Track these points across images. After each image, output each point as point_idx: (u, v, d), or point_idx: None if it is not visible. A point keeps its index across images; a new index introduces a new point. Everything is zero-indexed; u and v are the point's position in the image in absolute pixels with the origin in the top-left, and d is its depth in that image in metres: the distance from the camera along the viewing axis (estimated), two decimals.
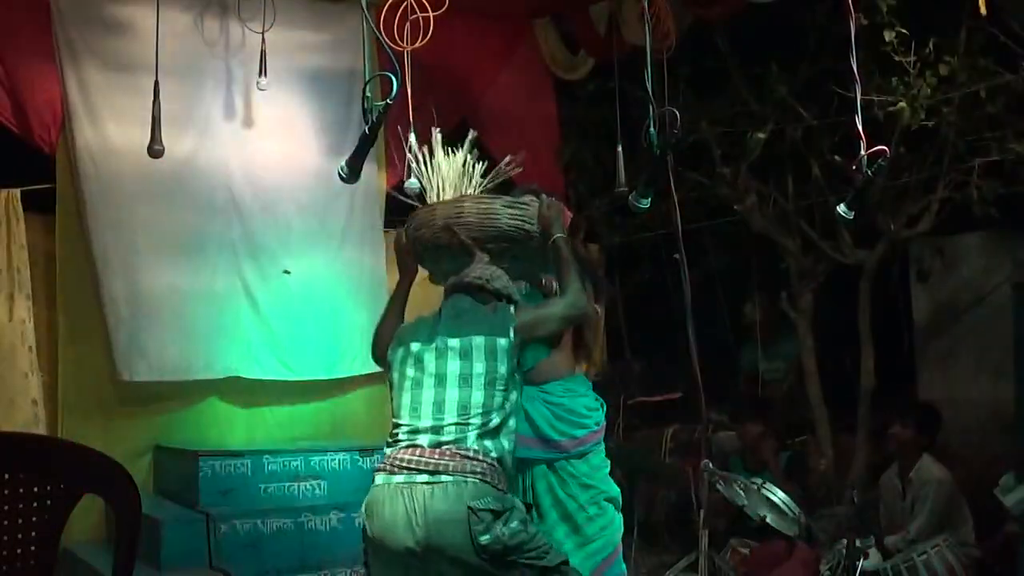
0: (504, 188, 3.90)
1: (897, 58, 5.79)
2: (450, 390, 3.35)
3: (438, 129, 3.85)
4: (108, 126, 6.10)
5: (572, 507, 3.89)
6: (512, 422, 3.40)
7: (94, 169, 6.04)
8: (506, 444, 3.37)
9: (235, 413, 6.56)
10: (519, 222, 3.67)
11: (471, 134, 3.83)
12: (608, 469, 3.99)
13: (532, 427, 3.89)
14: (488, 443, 3.30)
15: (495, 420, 3.33)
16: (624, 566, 4.06)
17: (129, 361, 6.05)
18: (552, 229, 3.69)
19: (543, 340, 3.90)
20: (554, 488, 3.90)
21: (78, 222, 6.07)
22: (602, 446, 4.00)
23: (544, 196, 3.78)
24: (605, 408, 4.09)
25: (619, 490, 4.01)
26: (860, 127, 4.05)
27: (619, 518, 3.99)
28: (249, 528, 5.40)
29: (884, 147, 3.91)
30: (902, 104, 5.86)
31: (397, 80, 3.56)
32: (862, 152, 3.89)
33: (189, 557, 5.31)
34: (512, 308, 3.52)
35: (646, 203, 4.16)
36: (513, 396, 3.41)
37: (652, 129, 4.07)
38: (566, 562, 3.38)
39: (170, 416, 6.37)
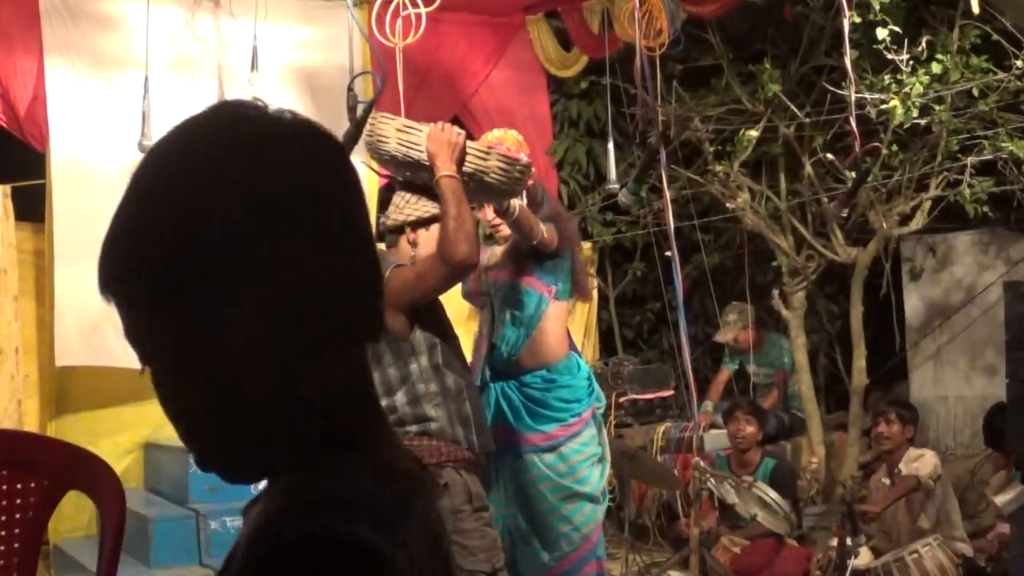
0: None
1: (890, 56, 5.79)
2: None
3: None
4: (94, 121, 6.08)
5: (540, 504, 3.85)
6: (431, 386, 3.25)
7: (73, 163, 6.00)
8: (432, 412, 3.25)
9: None
10: (406, 148, 3.25)
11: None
12: (590, 460, 3.94)
13: (499, 419, 3.87)
14: (408, 423, 3.23)
15: (401, 398, 3.24)
16: (602, 552, 4.05)
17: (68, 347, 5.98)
18: (437, 163, 3.18)
19: (519, 323, 3.86)
20: (522, 483, 3.87)
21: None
22: (582, 437, 3.91)
23: (439, 123, 3.31)
24: (593, 392, 4.02)
25: (599, 482, 3.97)
26: (854, 125, 4.06)
27: (595, 511, 3.95)
28: (239, 526, 5.38)
29: (877, 144, 3.90)
30: (895, 102, 5.85)
31: (382, 78, 3.54)
32: (856, 150, 3.89)
33: (179, 554, 5.30)
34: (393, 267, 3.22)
35: (633, 198, 4.16)
36: (414, 365, 3.24)
37: (643, 126, 4.08)
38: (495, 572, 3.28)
39: (161, 413, 6.33)
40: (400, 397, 3.25)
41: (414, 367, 3.25)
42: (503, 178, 3.30)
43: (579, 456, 3.90)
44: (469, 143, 3.27)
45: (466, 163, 3.23)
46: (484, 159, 3.29)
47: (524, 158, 3.42)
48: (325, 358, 0.97)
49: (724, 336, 7.47)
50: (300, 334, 0.95)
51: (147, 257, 0.92)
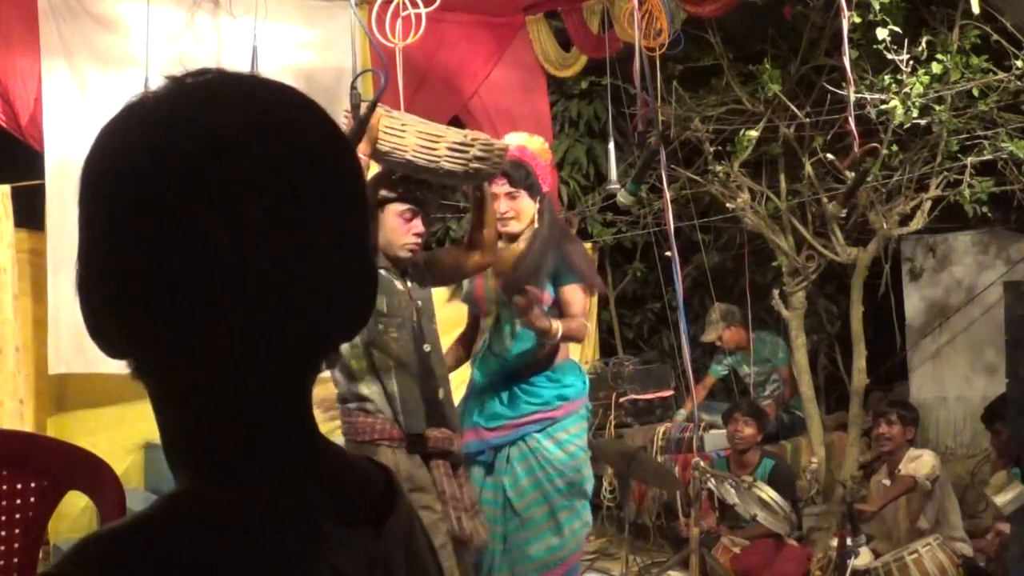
0: None
1: (890, 56, 5.79)
2: None
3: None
4: (95, 120, 6.05)
5: (551, 491, 3.88)
6: (361, 363, 3.38)
7: (68, 169, 5.98)
8: (365, 390, 3.38)
9: None
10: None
11: None
12: (586, 456, 3.98)
13: (495, 417, 3.92)
14: (349, 400, 3.41)
15: (337, 374, 3.42)
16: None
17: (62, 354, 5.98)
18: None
19: (529, 335, 3.90)
20: (533, 469, 3.89)
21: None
22: (572, 426, 3.97)
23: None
24: (578, 391, 4.05)
25: (592, 483, 4.03)
26: (853, 125, 4.06)
27: (588, 512, 4.01)
28: None
29: (876, 145, 3.90)
30: (895, 102, 5.85)
31: (385, 76, 3.53)
32: (855, 150, 3.89)
33: None
34: None
35: (632, 198, 4.17)
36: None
37: (644, 126, 4.08)
38: None
39: None
40: (336, 373, 3.40)
41: (344, 345, 3.29)
42: (458, 166, 3.23)
43: (574, 445, 3.94)
44: (422, 129, 3.20)
45: (416, 155, 3.18)
46: (433, 147, 3.19)
47: (488, 142, 3.33)
48: (276, 375, 0.87)
49: (708, 336, 7.49)
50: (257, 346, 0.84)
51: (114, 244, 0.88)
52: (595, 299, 8.15)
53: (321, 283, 0.85)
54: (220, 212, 0.82)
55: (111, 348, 0.90)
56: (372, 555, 0.89)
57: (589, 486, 4.00)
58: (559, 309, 3.93)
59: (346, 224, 0.88)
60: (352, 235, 0.89)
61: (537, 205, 3.95)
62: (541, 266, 3.87)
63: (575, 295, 3.93)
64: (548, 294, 3.90)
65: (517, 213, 3.93)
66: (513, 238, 3.98)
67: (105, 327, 0.90)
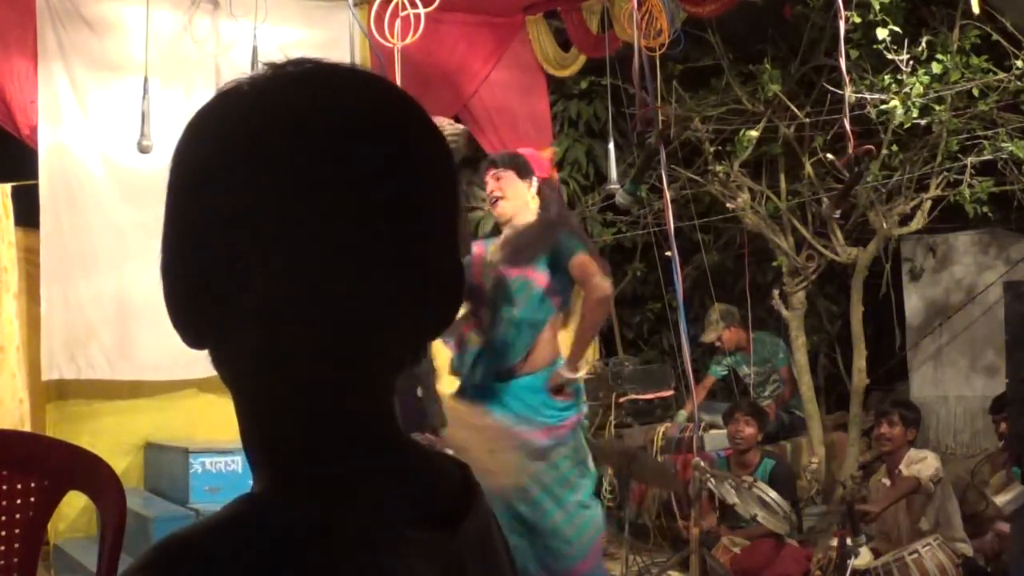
0: None
1: (890, 56, 5.79)
2: None
3: None
4: (90, 125, 6.05)
5: (535, 513, 3.80)
6: None
7: (61, 177, 5.96)
8: None
9: (226, 409, 6.51)
10: None
11: None
12: (579, 469, 3.89)
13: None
14: None
15: None
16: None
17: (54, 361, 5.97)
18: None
19: (525, 325, 3.81)
20: (519, 492, 3.78)
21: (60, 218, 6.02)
22: (571, 445, 3.88)
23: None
24: (582, 399, 3.99)
25: (590, 490, 3.94)
26: (848, 127, 4.06)
27: (594, 516, 3.93)
28: None
29: (871, 146, 3.91)
30: (895, 102, 5.86)
31: None
32: (849, 151, 3.90)
33: None
34: None
35: (631, 198, 4.16)
36: None
37: (643, 127, 4.09)
38: None
39: (161, 413, 6.35)
40: None
41: None
42: None
43: (569, 464, 3.86)
44: None
45: None
46: None
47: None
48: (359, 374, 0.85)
49: (708, 336, 7.49)
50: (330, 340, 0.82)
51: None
52: None
53: (410, 280, 0.84)
54: (308, 203, 0.80)
55: (189, 337, 0.87)
56: (448, 558, 0.87)
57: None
58: (576, 280, 3.82)
59: (438, 221, 0.86)
60: (443, 232, 0.87)
61: (531, 187, 3.89)
62: (535, 243, 3.79)
63: (583, 262, 3.78)
64: (540, 274, 3.82)
65: (504, 192, 3.85)
66: (506, 221, 3.91)
67: (183, 315, 0.86)
